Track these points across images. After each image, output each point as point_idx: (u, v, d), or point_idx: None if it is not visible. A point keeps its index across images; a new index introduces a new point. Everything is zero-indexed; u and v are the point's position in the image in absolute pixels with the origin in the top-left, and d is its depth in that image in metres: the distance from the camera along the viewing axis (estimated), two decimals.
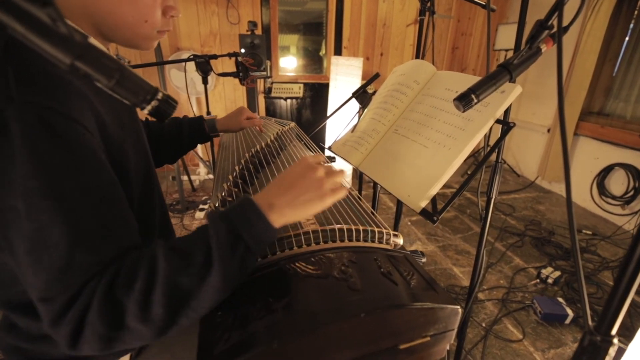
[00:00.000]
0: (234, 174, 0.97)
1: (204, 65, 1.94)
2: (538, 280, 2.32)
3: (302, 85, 4.11)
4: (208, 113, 2.27)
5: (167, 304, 0.51)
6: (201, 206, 3.20)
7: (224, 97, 3.98)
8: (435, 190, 0.86)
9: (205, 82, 2.05)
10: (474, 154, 4.52)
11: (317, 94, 4.23)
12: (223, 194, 0.87)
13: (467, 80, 0.95)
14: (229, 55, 2.04)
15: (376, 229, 0.75)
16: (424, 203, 0.87)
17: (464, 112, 0.68)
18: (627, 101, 3.34)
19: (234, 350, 0.51)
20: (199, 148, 3.58)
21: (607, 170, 3.31)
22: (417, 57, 1.60)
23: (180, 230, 2.85)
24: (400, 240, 0.78)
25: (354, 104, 1.37)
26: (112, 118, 0.64)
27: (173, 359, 0.85)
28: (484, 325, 1.95)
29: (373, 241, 0.75)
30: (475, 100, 0.67)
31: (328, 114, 1.51)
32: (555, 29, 0.66)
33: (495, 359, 1.74)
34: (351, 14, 4.04)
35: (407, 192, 0.91)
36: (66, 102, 0.52)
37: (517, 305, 2.11)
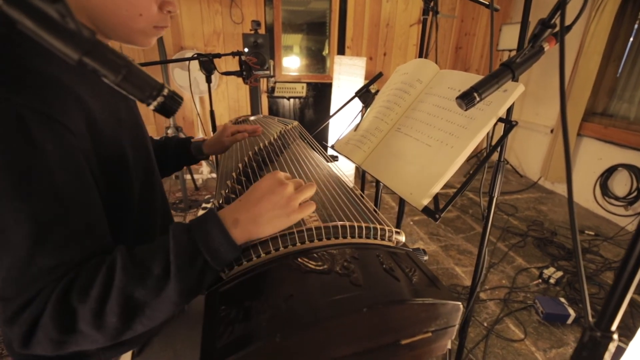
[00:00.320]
0: (237, 171, 0.98)
1: (207, 64, 1.94)
2: (540, 281, 2.32)
3: (305, 85, 4.12)
4: (211, 112, 2.28)
5: (121, 313, 0.51)
6: (204, 205, 3.21)
7: (227, 97, 3.99)
8: (437, 188, 0.87)
9: (208, 80, 2.05)
10: (476, 154, 4.51)
11: (320, 93, 4.24)
12: (226, 191, 0.87)
13: (470, 79, 0.95)
14: (233, 54, 2.04)
15: (378, 226, 0.75)
16: (426, 201, 0.87)
17: (466, 110, 0.68)
18: (631, 102, 3.33)
19: (237, 343, 0.52)
20: None
21: (611, 171, 3.30)
22: (420, 57, 1.60)
23: None
24: (402, 238, 0.78)
25: (357, 103, 1.38)
26: (107, 115, 0.64)
27: (176, 355, 0.85)
28: (485, 324, 1.95)
29: (375, 238, 0.75)
30: (478, 99, 0.67)
31: (331, 114, 1.51)
32: (558, 28, 0.67)
33: (497, 358, 1.74)
34: (354, 13, 4.04)
35: (409, 190, 0.91)
36: (48, 100, 0.52)
37: (519, 305, 2.11)
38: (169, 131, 3.12)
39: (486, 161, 0.88)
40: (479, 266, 1.18)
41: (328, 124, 1.54)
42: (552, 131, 3.90)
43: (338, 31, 4.08)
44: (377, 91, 1.33)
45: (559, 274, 2.30)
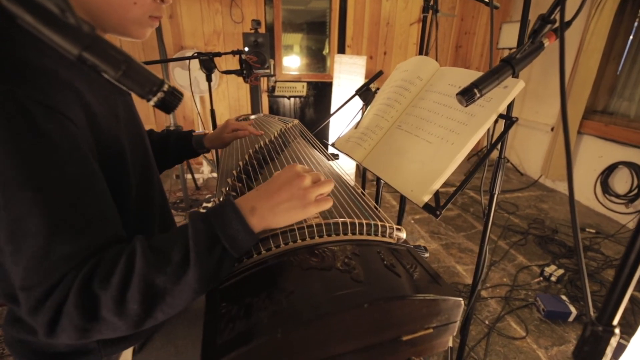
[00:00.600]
0: (238, 169, 0.98)
1: (207, 62, 1.94)
2: (541, 278, 2.32)
3: (305, 84, 4.12)
4: (212, 111, 2.28)
5: (142, 301, 0.52)
6: (205, 204, 3.21)
7: (228, 96, 3.99)
8: (438, 184, 0.86)
9: (209, 79, 2.05)
10: (477, 153, 4.51)
11: (320, 92, 4.24)
12: (227, 189, 0.87)
13: (470, 76, 0.95)
14: (233, 52, 2.04)
15: (379, 223, 0.75)
16: (426, 197, 0.87)
17: (466, 106, 0.68)
18: (631, 100, 3.33)
19: (238, 339, 0.52)
20: None
21: (611, 169, 3.30)
22: (420, 55, 1.60)
23: None
24: (403, 235, 0.78)
25: (358, 102, 1.38)
26: (105, 110, 0.64)
27: (177, 351, 0.85)
28: (487, 322, 1.95)
29: (376, 235, 0.75)
30: (478, 95, 0.67)
31: (331, 112, 1.51)
32: (557, 23, 0.66)
33: (498, 356, 1.74)
34: (354, 12, 4.04)
35: (410, 186, 0.91)
36: (49, 92, 0.52)
37: (520, 302, 2.11)
38: None
39: (487, 156, 0.88)
40: (480, 264, 1.18)
41: (329, 122, 1.54)
42: (552, 129, 3.90)
43: (338, 30, 4.08)
44: (378, 89, 1.33)
45: (560, 271, 2.30)
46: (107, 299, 0.50)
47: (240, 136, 1.24)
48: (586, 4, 0.64)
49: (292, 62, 4.27)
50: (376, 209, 0.84)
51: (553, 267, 2.35)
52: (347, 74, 3.41)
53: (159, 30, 2.59)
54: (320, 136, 1.35)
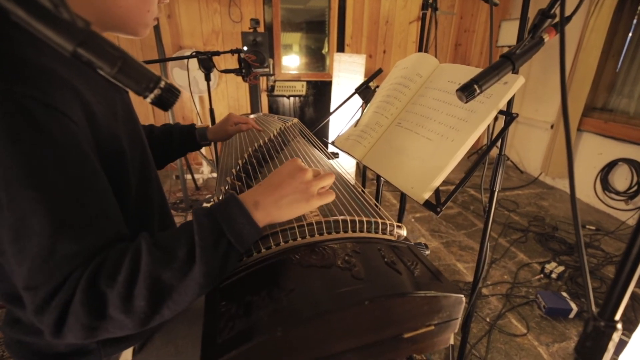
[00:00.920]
0: (237, 168, 0.97)
1: (206, 62, 1.93)
2: (542, 275, 2.32)
3: (305, 83, 4.11)
4: (211, 111, 2.27)
5: (148, 297, 0.51)
6: (205, 204, 3.20)
7: (227, 96, 3.99)
8: (438, 181, 0.86)
9: (208, 79, 2.05)
10: (477, 150, 4.51)
11: (320, 91, 4.23)
12: (226, 188, 0.87)
13: (470, 73, 0.94)
14: (232, 51, 2.04)
15: (380, 220, 0.75)
16: (427, 194, 0.87)
17: (466, 102, 0.68)
18: (631, 97, 3.32)
19: (238, 338, 0.51)
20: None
21: (611, 166, 3.30)
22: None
23: None
24: (403, 232, 0.77)
25: (357, 100, 1.37)
26: (104, 108, 0.64)
27: (177, 351, 0.85)
28: (488, 320, 1.95)
29: (377, 232, 0.75)
30: (478, 91, 0.66)
31: (331, 111, 1.51)
32: (557, 18, 0.66)
33: (499, 353, 1.74)
34: (353, 11, 4.04)
35: (410, 184, 0.91)
36: (48, 91, 0.52)
37: (521, 300, 2.11)
38: None
39: (488, 152, 0.88)
40: (480, 262, 1.17)
41: (328, 121, 1.53)
42: (552, 127, 3.89)
43: (337, 29, 4.07)
44: (377, 87, 1.33)
45: (561, 268, 2.29)
46: (114, 297, 0.50)
47: (243, 129, 1.27)
48: (585, 0, 0.64)
49: (292, 62, 4.27)
50: (376, 207, 0.84)
51: (553, 264, 2.34)
52: (346, 73, 3.40)
53: (157, 30, 2.58)
54: (320, 135, 1.34)
